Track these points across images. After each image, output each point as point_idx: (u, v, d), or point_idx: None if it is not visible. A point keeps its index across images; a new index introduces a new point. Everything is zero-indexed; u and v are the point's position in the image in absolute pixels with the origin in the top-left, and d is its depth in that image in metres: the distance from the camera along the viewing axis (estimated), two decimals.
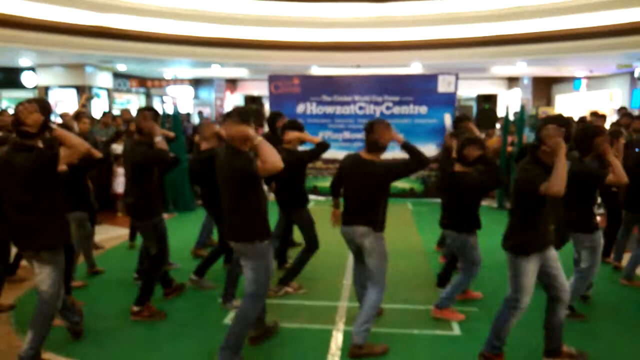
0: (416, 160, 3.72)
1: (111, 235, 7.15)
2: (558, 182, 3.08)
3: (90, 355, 3.68)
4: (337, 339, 3.95)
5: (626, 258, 5.39)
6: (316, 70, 17.11)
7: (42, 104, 3.38)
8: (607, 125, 9.31)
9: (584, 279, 4.25)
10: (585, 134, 4.06)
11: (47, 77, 16.41)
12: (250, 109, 10.44)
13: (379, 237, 3.73)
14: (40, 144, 3.42)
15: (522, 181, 3.33)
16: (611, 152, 3.91)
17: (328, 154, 5.30)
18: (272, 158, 3.21)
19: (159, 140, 4.28)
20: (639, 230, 5.11)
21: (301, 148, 4.99)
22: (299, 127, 4.94)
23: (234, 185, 3.36)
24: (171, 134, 5.72)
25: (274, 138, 4.97)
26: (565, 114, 5.76)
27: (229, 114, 3.44)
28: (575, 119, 8.32)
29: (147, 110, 4.51)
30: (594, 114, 9.03)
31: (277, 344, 3.89)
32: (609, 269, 5.56)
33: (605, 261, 5.57)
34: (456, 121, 6.64)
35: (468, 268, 4.31)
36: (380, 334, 3.92)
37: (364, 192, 3.73)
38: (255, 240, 3.39)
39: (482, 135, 5.81)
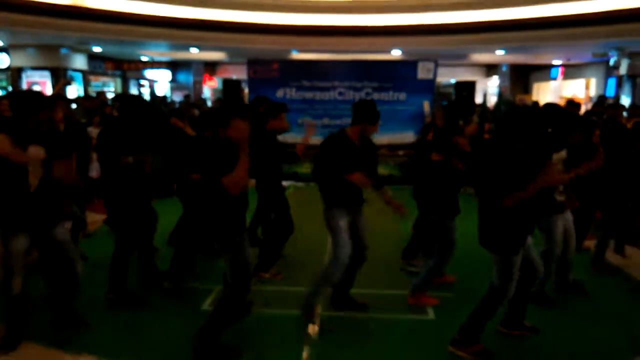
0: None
1: (88, 220, 7.03)
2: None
3: (68, 343, 3.65)
4: (314, 325, 3.98)
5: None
6: (296, 55, 17.00)
7: (16, 101, 3.36)
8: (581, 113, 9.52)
9: (545, 261, 4.32)
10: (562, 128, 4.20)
11: (20, 58, 16.00)
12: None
13: (329, 212, 3.95)
14: None
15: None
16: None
17: None
18: (236, 179, 3.08)
19: None
20: (602, 215, 5.20)
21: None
22: (284, 108, 4.98)
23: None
24: None
25: (258, 122, 4.92)
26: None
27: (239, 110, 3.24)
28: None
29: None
30: (570, 102, 9.20)
31: (255, 330, 3.91)
32: (587, 255, 5.57)
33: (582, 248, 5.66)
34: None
35: (444, 251, 4.35)
36: (357, 319, 3.97)
37: (319, 169, 4.01)
38: (228, 238, 3.35)
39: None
